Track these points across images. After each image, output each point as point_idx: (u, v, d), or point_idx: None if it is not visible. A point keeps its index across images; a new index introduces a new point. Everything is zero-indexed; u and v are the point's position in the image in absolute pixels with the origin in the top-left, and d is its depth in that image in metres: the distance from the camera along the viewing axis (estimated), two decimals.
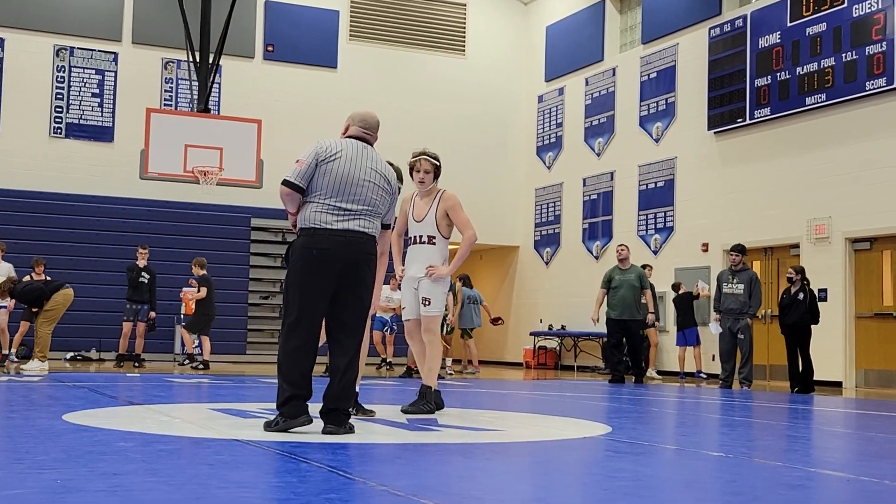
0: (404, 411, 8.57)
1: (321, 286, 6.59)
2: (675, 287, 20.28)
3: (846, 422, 10.54)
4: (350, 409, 6.87)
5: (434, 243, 8.79)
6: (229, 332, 22.74)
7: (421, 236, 8.83)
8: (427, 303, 8.72)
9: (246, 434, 6.45)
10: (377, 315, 19.26)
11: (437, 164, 8.85)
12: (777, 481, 5.22)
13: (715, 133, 20.62)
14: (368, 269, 6.79)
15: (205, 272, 18.85)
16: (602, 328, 22.59)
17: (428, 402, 8.70)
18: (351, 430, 6.61)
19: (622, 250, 17.49)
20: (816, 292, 16.73)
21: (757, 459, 6.18)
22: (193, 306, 19.23)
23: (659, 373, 20.67)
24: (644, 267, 18.91)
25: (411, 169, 8.87)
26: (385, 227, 7.12)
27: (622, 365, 17.54)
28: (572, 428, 7.89)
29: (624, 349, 17.87)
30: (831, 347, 17.64)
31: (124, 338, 18.69)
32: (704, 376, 19.40)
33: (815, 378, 15.69)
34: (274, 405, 6.73)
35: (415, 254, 8.87)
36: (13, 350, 18.35)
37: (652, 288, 18.07)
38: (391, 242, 9.16)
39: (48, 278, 19.08)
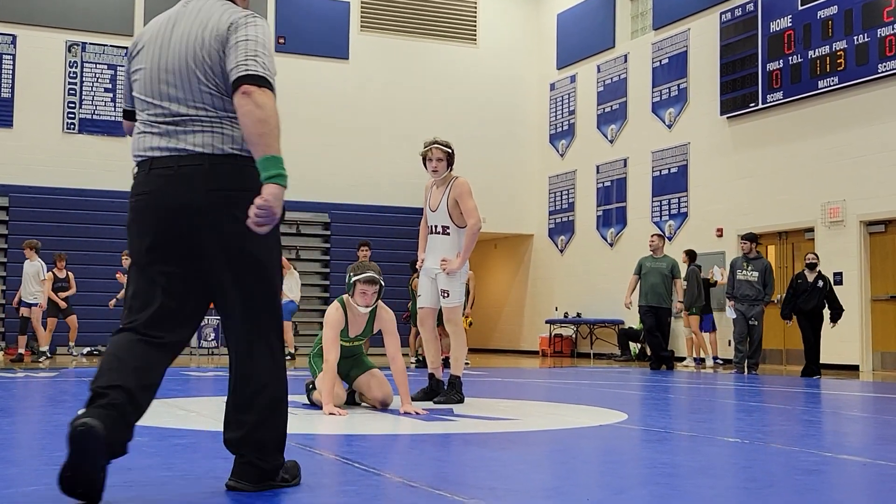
0: (435, 402, 8.62)
1: (153, 252, 4.13)
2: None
3: (862, 405, 10.50)
4: (281, 474, 4.18)
5: (448, 234, 8.80)
6: None
7: (437, 226, 8.85)
8: (446, 295, 8.78)
9: None
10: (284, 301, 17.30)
11: (450, 151, 8.86)
12: (793, 466, 5.21)
13: (727, 118, 20.55)
14: (231, 219, 3.82)
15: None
16: (618, 315, 22.76)
17: (458, 391, 8.79)
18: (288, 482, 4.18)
19: (654, 240, 18.00)
20: (831, 277, 16.77)
21: (773, 444, 6.17)
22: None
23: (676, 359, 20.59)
24: (690, 254, 18.93)
25: (424, 158, 8.88)
26: (240, 83, 3.78)
27: (663, 349, 17.57)
28: (588, 416, 7.89)
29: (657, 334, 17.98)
30: (847, 331, 17.58)
31: None
32: (721, 362, 19.36)
33: (830, 362, 15.73)
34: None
35: (433, 244, 8.91)
36: (46, 346, 18.37)
37: (699, 271, 18.76)
38: (420, 231, 9.20)
39: (69, 273, 19.16)
